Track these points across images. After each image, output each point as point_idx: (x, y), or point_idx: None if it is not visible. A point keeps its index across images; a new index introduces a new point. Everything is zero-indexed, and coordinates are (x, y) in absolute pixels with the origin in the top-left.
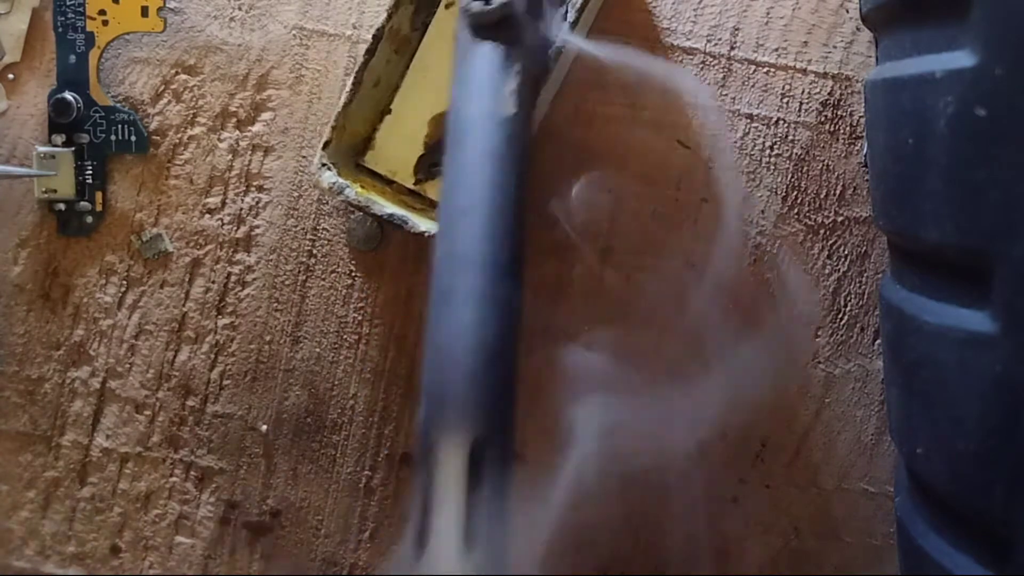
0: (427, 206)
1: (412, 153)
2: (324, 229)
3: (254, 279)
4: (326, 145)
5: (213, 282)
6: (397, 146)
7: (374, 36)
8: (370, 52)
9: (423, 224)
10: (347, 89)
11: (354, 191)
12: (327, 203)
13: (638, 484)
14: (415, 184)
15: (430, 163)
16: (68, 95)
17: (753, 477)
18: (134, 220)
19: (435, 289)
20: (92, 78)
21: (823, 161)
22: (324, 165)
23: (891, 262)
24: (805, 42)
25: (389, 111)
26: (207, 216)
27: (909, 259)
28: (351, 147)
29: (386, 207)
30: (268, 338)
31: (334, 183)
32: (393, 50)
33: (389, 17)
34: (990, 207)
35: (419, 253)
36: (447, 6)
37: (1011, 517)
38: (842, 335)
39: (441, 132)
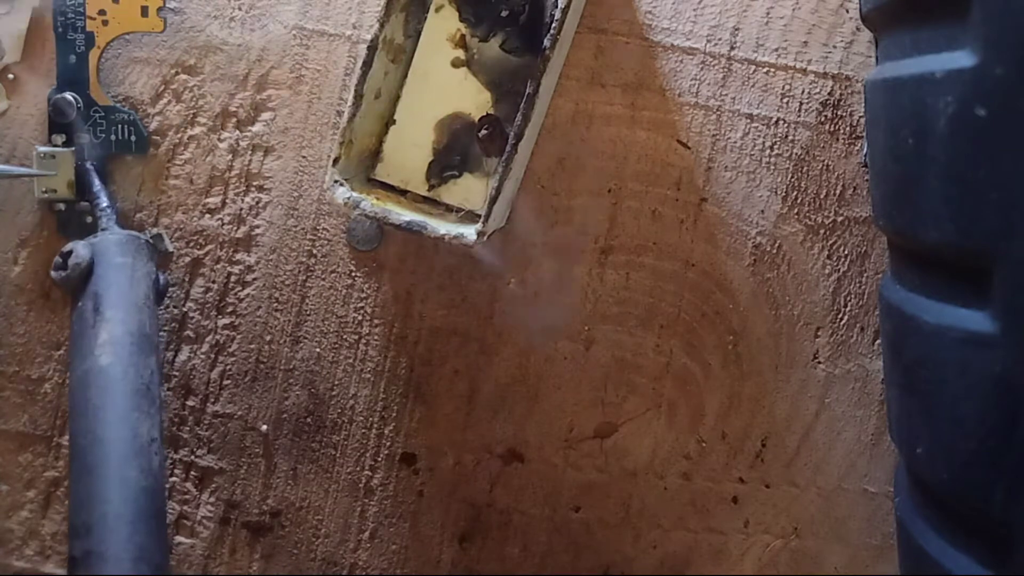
0: (444, 211)
1: (422, 160)
2: (324, 229)
3: (254, 279)
4: (335, 161)
5: (213, 282)
6: (406, 155)
7: (369, 47)
8: (367, 64)
9: (442, 228)
10: (349, 103)
11: (370, 203)
12: (327, 204)
13: None
14: (429, 191)
15: (441, 168)
16: (68, 95)
17: (753, 477)
18: (134, 220)
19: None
20: (92, 78)
21: (823, 161)
22: (336, 182)
23: (891, 262)
24: (805, 42)
25: (394, 121)
26: (207, 216)
27: (909, 259)
28: (360, 161)
29: (403, 215)
30: (268, 338)
31: (349, 198)
32: (390, 60)
33: (381, 27)
34: (990, 207)
35: (419, 253)
36: (437, 9)
37: (1011, 517)
38: (842, 335)
39: (449, 136)
